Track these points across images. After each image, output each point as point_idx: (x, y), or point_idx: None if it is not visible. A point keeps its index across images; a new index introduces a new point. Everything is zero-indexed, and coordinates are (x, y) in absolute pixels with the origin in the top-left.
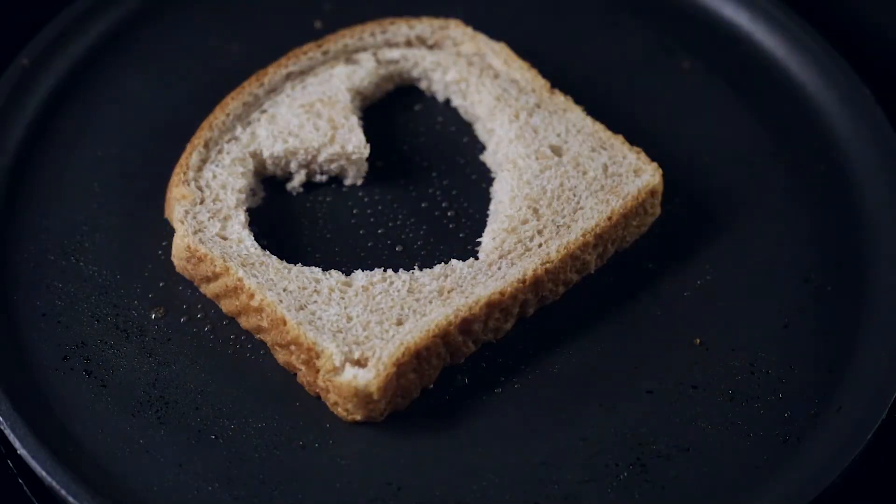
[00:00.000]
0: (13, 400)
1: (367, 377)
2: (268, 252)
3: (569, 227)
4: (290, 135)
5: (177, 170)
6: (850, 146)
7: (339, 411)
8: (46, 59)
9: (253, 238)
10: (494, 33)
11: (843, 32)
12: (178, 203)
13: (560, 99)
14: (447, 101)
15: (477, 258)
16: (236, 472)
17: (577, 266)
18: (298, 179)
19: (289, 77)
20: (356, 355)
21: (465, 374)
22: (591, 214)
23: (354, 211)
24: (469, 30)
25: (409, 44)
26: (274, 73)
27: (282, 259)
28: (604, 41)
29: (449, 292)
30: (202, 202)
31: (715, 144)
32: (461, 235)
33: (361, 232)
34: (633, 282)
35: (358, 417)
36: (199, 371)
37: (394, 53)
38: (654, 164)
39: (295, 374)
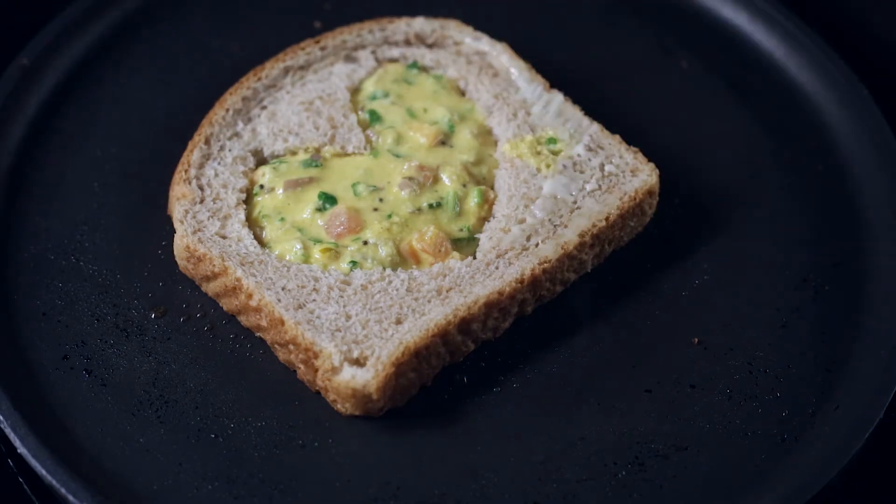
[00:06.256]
0: (13, 400)
1: (365, 377)
2: (267, 251)
3: (566, 227)
4: (290, 133)
5: (179, 168)
6: (849, 146)
7: (339, 408)
8: (46, 59)
9: (252, 237)
10: (494, 33)
11: (843, 32)
12: (179, 202)
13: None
14: None
15: (475, 257)
16: (236, 472)
17: (575, 266)
18: None
19: (287, 71)
20: (355, 354)
21: (464, 373)
22: (587, 214)
23: None
24: (469, 29)
25: (408, 42)
26: (272, 67)
27: None
28: (603, 41)
29: (447, 292)
30: (202, 201)
31: (714, 144)
32: None
33: None
34: (632, 281)
35: (356, 414)
36: (199, 370)
37: (393, 52)
38: (651, 165)
39: (295, 372)
